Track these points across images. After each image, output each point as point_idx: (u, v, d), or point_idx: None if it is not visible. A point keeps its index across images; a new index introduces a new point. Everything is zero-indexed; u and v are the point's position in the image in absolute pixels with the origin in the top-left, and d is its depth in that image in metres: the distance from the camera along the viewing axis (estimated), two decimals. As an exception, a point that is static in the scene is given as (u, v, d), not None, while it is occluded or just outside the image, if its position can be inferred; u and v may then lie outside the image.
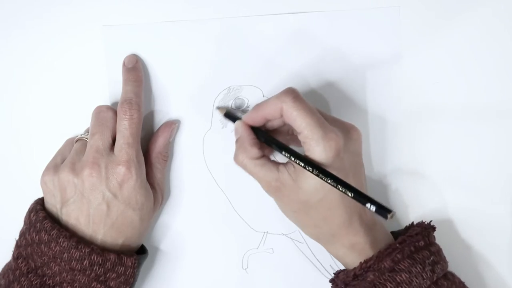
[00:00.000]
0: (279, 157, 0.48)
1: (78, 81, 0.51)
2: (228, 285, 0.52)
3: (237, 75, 0.50)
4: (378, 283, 0.42)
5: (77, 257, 0.43)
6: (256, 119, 0.45)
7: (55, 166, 0.46)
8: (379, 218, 0.41)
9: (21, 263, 0.45)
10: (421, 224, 0.46)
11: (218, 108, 0.49)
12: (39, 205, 0.47)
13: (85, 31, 0.50)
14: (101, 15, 0.50)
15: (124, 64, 0.49)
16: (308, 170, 0.42)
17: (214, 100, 0.50)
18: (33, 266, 0.45)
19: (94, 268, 0.44)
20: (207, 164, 0.51)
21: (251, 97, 0.50)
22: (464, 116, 0.50)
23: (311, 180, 0.42)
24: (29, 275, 0.44)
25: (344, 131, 0.44)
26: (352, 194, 0.41)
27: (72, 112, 0.51)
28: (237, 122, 0.46)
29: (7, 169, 0.52)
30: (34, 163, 0.50)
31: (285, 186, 0.44)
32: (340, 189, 0.41)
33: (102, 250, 0.44)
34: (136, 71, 0.48)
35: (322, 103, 0.50)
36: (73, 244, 0.43)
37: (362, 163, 0.46)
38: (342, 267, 0.49)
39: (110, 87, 0.50)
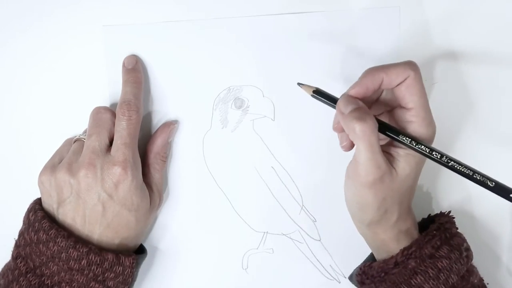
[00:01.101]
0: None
1: (78, 82, 0.51)
2: (228, 285, 0.52)
3: (237, 75, 0.50)
4: (419, 270, 0.42)
5: (75, 256, 0.43)
6: (374, 83, 0.42)
7: (52, 166, 0.46)
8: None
9: (20, 262, 0.45)
10: (443, 214, 0.46)
11: (301, 85, 0.45)
12: (38, 204, 0.47)
13: (85, 32, 0.50)
14: (101, 16, 0.50)
15: (123, 65, 0.49)
16: (442, 161, 0.41)
17: (214, 100, 0.50)
18: (32, 266, 0.45)
19: (92, 268, 0.44)
20: (207, 164, 0.51)
21: (251, 97, 0.50)
22: (464, 116, 0.50)
23: (409, 168, 0.42)
24: (28, 275, 0.44)
25: None
26: (493, 184, 0.40)
27: (72, 112, 0.51)
28: (347, 96, 0.42)
29: (8, 168, 0.52)
30: (34, 163, 0.49)
31: (389, 173, 0.42)
32: (478, 177, 0.40)
33: (100, 250, 0.44)
34: (135, 72, 0.48)
35: (321, 104, 0.50)
36: (71, 243, 0.43)
37: None
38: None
39: (110, 87, 0.50)
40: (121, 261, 0.45)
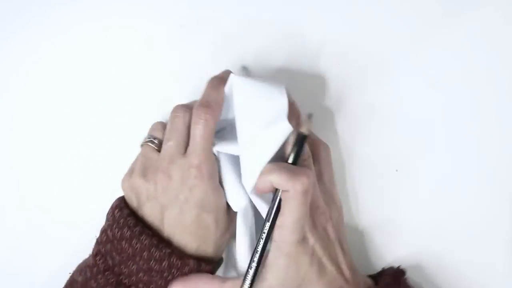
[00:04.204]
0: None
1: (78, 81, 0.50)
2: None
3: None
4: None
5: (157, 257, 0.42)
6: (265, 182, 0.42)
7: (130, 172, 0.46)
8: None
9: (99, 260, 0.44)
10: (388, 272, 0.46)
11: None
12: (123, 202, 0.46)
13: (85, 31, 0.50)
14: (101, 15, 0.50)
15: (219, 74, 0.46)
16: None
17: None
18: (111, 264, 0.44)
19: (172, 271, 0.42)
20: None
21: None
22: (465, 117, 0.50)
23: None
24: (106, 273, 0.43)
25: (321, 214, 0.43)
26: None
27: (72, 112, 0.51)
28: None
29: (7, 168, 0.51)
30: (33, 163, 0.49)
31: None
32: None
33: (182, 254, 0.43)
34: (223, 80, 0.46)
35: (319, 103, 0.50)
36: (155, 242, 0.42)
37: (340, 238, 0.44)
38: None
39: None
40: (201, 268, 0.43)
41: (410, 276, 0.47)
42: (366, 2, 0.49)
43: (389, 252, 0.50)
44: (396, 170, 0.50)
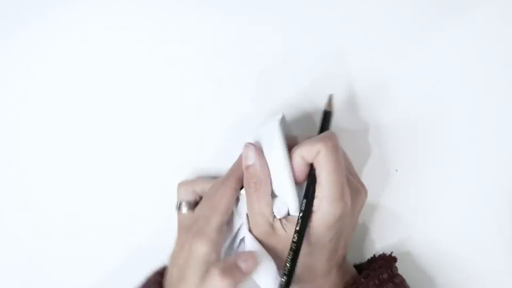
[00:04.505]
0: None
1: (77, 81, 0.50)
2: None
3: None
4: None
5: None
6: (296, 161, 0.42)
7: None
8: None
9: None
10: (383, 257, 0.47)
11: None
12: (163, 269, 0.46)
13: (85, 31, 0.50)
14: (101, 15, 0.49)
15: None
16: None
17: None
18: None
19: None
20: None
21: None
22: (465, 116, 0.50)
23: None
24: None
25: (354, 191, 0.43)
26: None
27: (71, 112, 0.50)
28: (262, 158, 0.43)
29: (7, 168, 0.51)
30: (33, 163, 0.49)
31: (276, 233, 0.42)
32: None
33: None
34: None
35: (318, 103, 0.50)
36: None
37: (357, 221, 0.45)
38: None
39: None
40: None
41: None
42: (366, 2, 0.49)
43: (382, 249, 0.50)
44: (396, 170, 0.50)
